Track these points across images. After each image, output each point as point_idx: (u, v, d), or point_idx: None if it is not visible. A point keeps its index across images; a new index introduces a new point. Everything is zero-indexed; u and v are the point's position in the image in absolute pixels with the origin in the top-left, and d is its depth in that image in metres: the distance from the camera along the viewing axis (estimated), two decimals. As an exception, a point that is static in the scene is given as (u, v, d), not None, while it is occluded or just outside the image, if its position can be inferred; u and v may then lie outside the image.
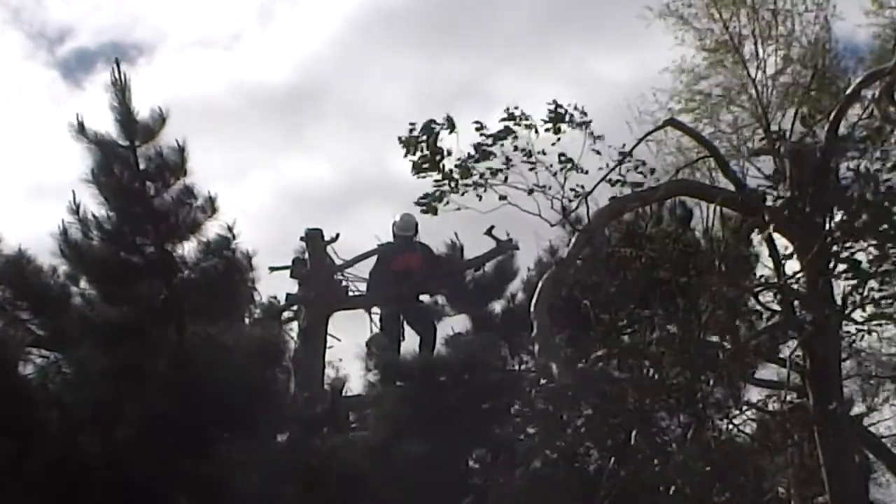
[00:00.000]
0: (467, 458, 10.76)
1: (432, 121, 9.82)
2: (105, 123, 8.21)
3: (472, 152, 9.77)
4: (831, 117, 9.23)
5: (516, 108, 9.62)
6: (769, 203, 9.57)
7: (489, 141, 9.66)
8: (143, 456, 8.06)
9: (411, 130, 9.81)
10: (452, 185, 9.78)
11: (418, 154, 9.80)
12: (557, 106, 9.66)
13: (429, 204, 9.96)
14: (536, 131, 9.63)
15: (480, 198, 9.84)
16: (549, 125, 9.66)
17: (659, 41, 18.42)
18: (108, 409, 8.23)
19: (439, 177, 9.82)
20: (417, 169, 9.90)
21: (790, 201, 9.23)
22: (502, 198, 9.70)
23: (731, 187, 10.01)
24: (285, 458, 8.92)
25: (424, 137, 9.76)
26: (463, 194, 9.82)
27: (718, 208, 10.35)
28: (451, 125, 9.82)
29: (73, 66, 36.10)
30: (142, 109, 8.16)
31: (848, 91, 9.54)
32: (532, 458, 9.73)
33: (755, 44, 17.87)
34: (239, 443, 8.51)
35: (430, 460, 9.34)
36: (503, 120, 9.66)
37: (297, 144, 29.45)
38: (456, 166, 9.81)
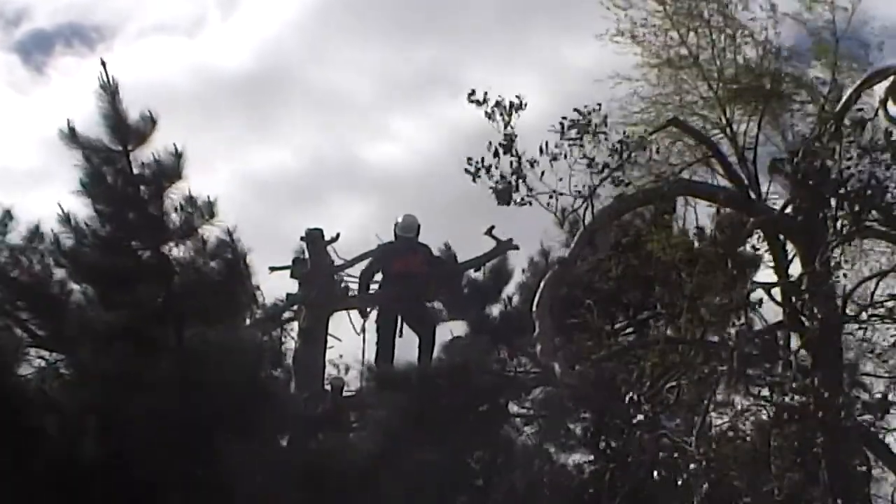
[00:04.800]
0: (467, 460, 10.73)
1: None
2: (73, 114, 8.15)
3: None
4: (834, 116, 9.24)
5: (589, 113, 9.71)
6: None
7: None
8: (143, 459, 8.01)
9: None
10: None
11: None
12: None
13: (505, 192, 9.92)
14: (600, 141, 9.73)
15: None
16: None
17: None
18: (106, 412, 8.19)
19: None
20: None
21: (792, 200, 9.25)
22: (530, 190, 9.72)
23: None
24: (285, 459, 8.89)
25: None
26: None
27: (715, 208, 10.34)
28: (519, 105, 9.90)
29: (30, 48, 35.46)
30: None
31: (851, 90, 9.53)
32: (533, 458, 9.72)
33: (712, 54, 17.53)
34: (239, 444, 8.47)
35: (430, 461, 9.32)
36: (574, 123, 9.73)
37: (260, 131, 28.69)
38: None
